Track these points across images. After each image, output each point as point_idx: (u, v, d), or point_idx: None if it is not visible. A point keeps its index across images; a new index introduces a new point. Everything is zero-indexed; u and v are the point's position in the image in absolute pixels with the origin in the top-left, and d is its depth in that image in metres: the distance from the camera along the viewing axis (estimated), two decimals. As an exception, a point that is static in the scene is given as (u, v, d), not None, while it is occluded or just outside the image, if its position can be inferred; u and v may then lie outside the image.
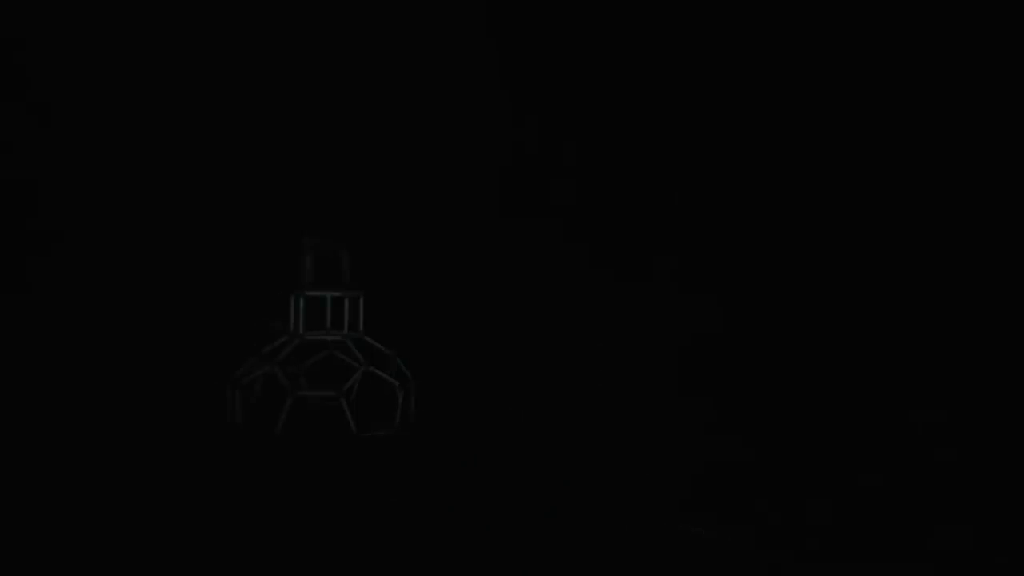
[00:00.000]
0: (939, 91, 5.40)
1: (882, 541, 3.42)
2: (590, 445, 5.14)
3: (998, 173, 5.28)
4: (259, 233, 6.31)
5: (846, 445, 4.96)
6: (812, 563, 3.16)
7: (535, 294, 6.43)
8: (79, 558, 3.08)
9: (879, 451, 4.85)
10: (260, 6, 6.21)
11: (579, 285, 6.40)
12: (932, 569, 3.13)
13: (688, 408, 5.70)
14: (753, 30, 5.86)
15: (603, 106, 6.35)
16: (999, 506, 3.93)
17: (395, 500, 3.92)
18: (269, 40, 6.28)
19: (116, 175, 6.19)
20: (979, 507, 3.92)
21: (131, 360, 6.02)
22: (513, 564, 3.12)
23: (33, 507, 3.70)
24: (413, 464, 4.69)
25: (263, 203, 6.35)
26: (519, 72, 6.40)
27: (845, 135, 5.70)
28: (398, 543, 3.33)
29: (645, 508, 3.77)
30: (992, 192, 5.32)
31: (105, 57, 6.11)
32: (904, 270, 5.57)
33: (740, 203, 6.04)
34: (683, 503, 3.87)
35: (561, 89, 6.38)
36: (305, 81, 6.36)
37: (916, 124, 5.47)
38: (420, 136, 6.49)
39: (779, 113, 5.86)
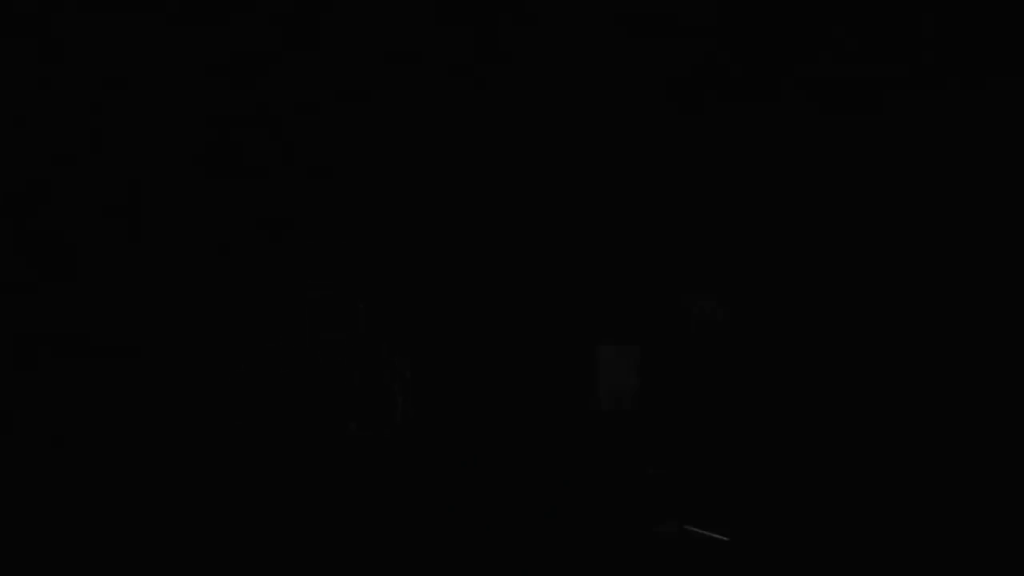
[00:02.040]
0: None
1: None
2: (590, 444, 5.13)
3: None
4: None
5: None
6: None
7: (535, 293, 6.43)
8: (80, 558, 3.08)
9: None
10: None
11: (578, 286, 6.39)
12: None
13: (687, 406, 5.70)
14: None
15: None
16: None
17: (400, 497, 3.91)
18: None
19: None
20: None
21: (132, 360, 6.01)
22: (513, 564, 3.12)
23: (33, 507, 3.70)
24: (413, 464, 4.69)
25: (261, 205, 6.34)
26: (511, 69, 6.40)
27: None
28: (398, 543, 3.34)
29: (645, 508, 3.78)
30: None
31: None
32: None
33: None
34: (685, 502, 3.87)
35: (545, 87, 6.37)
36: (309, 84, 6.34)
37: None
38: (418, 136, 6.48)
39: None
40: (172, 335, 6.09)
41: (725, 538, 3.36)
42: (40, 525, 3.49)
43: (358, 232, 6.12)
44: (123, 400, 5.64)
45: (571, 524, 3.57)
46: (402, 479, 4.35)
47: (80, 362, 5.84)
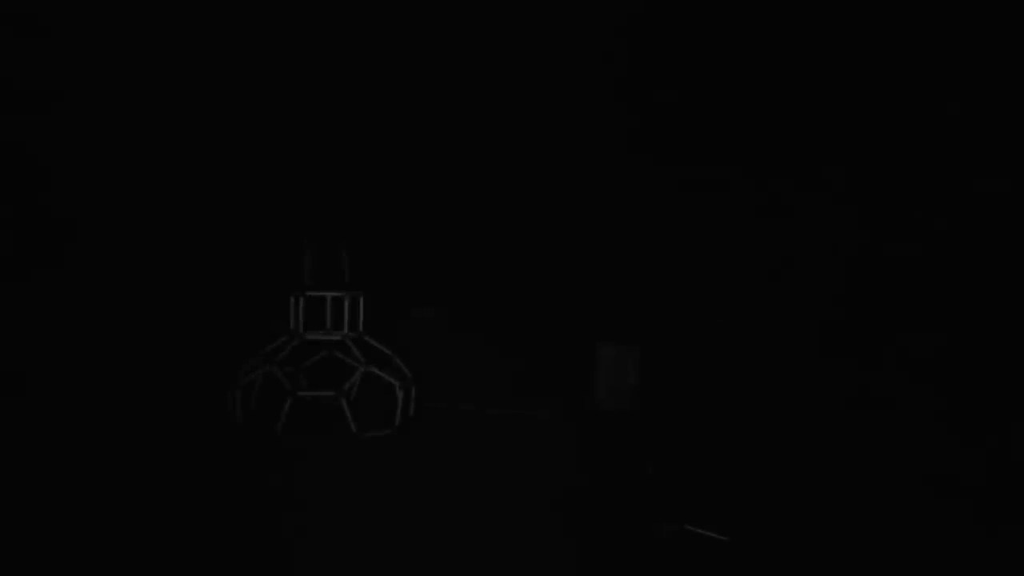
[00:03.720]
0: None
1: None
2: (591, 444, 5.14)
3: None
4: (259, 233, 6.31)
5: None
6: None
7: (536, 293, 6.43)
8: (79, 558, 3.08)
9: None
10: (262, 6, 6.21)
11: (578, 283, 6.39)
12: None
13: (688, 403, 5.70)
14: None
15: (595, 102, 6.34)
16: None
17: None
18: (270, 40, 6.28)
19: (119, 174, 6.20)
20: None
21: (131, 359, 6.02)
22: (513, 564, 3.12)
23: (33, 506, 3.70)
24: (413, 464, 4.69)
25: (263, 203, 6.35)
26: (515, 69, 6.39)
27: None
28: (398, 543, 3.34)
29: (646, 507, 3.78)
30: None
31: (111, 56, 6.12)
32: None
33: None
34: (684, 501, 3.87)
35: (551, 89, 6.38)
36: (305, 81, 6.36)
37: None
38: (418, 135, 6.48)
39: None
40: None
41: (725, 538, 3.36)
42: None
43: (360, 229, 6.12)
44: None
45: (571, 524, 3.57)
46: (402, 479, 4.35)
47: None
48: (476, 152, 6.54)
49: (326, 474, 4.44)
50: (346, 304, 5.41)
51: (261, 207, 6.36)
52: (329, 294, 5.44)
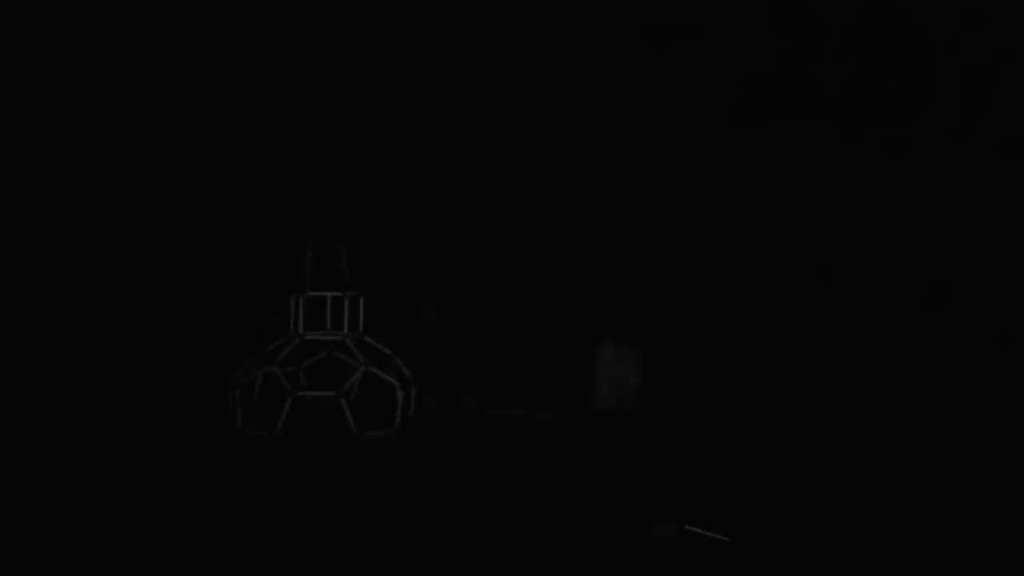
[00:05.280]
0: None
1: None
2: (587, 444, 5.14)
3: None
4: (259, 233, 6.31)
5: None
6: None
7: (537, 292, 6.43)
8: (79, 557, 3.08)
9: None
10: (261, 8, 6.21)
11: (579, 283, 6.39)
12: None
13: (689, 404, 5.71)
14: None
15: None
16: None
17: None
18: (270, 40, 6.28)
19: (119, 174, 6.21)
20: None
21: (131, 360, 6.02)
22: (511, 563, 3.13)
23: (33, 506, 3.70)
24: (413, 464, 4.69)
25: (263, 203, 6.35)
26: (516, 70, 6.40)
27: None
28: (397, 542, 3.34)
29: (644, 508, 3.78)
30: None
31: (109, 57, 6.12)
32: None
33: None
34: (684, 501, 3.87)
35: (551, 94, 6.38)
36: (305, 81, 6.36)
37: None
38: (418, 136, 6.48)
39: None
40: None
41: (725, 538, 3.36)
42: None
43: (361, 229, 6.13)
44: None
45: (570, 523, 3.57)
46: (402, 479, 4.35)
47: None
48: (477, 152, 6.54)
49: (326, 474, 4.44)
50: (346, 304, 5.41)
51: (261, 207, 6.36)
52: (329, 294, 5.44)
